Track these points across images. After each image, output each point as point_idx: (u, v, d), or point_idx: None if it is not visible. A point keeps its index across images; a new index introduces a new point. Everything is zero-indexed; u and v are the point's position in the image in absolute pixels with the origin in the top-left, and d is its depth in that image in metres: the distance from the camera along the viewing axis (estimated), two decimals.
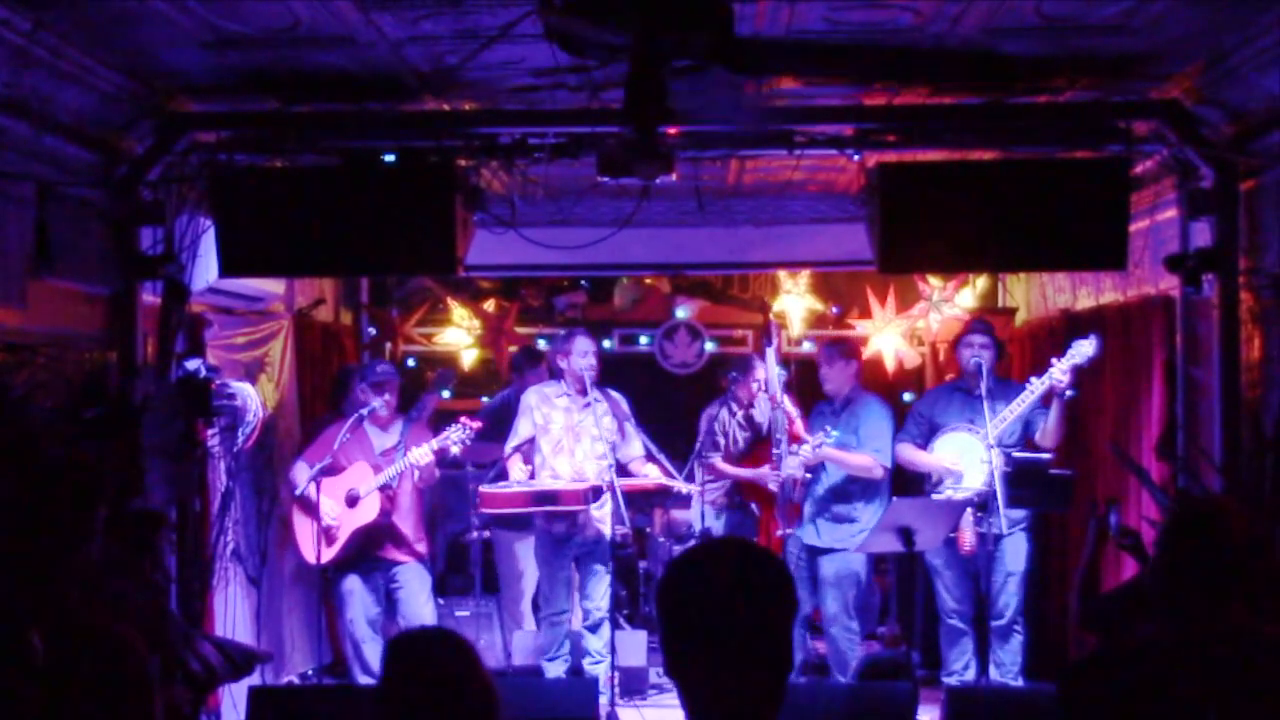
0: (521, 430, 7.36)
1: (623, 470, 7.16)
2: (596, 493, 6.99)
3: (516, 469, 7.30)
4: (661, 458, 7.38)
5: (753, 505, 8.19)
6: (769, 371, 7.46)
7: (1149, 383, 6.67)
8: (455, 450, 7.22)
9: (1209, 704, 2.84)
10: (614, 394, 7.45)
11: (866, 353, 9.50)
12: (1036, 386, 6.71)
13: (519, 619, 8.16)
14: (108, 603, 3.66)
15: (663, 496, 8.11)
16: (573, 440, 7.25)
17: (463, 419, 7.18)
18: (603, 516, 7.05)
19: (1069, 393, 6.66)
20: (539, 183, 6.67)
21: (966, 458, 6.87)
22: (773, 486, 7.36)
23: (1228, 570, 3.10)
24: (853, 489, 7.21)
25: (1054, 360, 6.69)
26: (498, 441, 7.53)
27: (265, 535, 7.37)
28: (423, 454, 7.02)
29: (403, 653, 3.01)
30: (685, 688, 2.12)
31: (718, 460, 7.93)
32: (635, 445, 7.38)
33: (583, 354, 7.22)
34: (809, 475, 7.22)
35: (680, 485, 7.43)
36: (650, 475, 7.33)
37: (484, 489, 7.26)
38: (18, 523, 2.81)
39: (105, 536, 2.97)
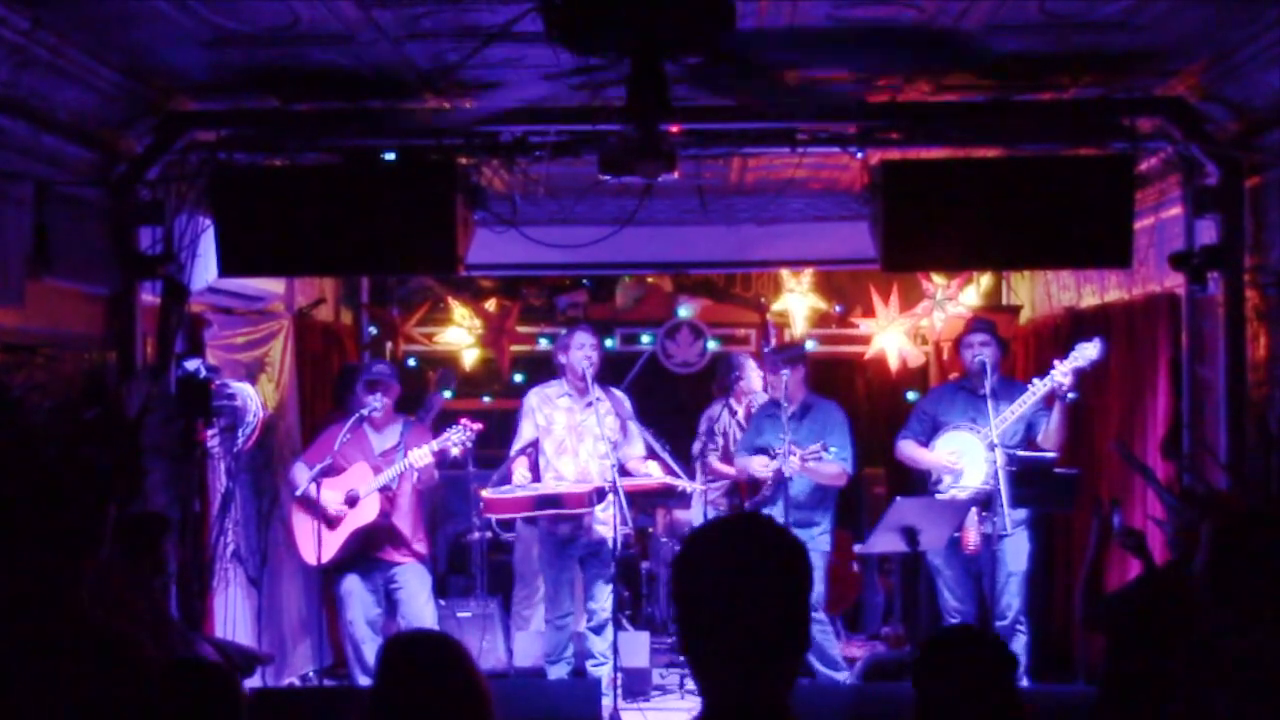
0: (524, 433, 7.33)
1: (623, 470, 7.13)
2: (600, 494, 6.95)
3: (520, 472, 7.27)
4: (666, 455, 7.33)
5: None
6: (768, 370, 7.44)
7: (1154, 381, 6.64)
8: (455, 452, 7.19)
9: None
10: (616, 392, 7.43)
11: (870, 351, 9.49)
12: (1038, 388, 6.68)
13: (528, 618, 8.14)
14: (109, 603, 3.64)
15: (665, 496, 8.08)
16: (576, 440, 7.22)
17: (463, 420, 7.15)
18: (606, 518, 7.02)
19: (1071, 396, 6.62)
20: (540, 181, 6.65)
21: (967, 456, 6.84)
22: (764, 473, 7.29)
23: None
24: (816, 496, 7.24)
25: (1056, 362, 6.67)
26: None
27: (266, 536, 7.35)
28: (422, 455, 6.99)
29: (396, 655, 3.01)
30: (698, 665, 2.09)
31: (714, 459, 7.91)
32: (637, 444, 7.36)
33: (580, 347, 7.19)
34: (787, 473, 7.16)
35: (684, 483, 7.39)
36: (653, 474, 7.29)
37: (487, 494, 7.19)
38: (26, 524, 2.79)
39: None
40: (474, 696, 2.98)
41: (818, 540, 7.18)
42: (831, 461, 7.10)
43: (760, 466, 7.20)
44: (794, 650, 2.09)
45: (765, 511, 7.12)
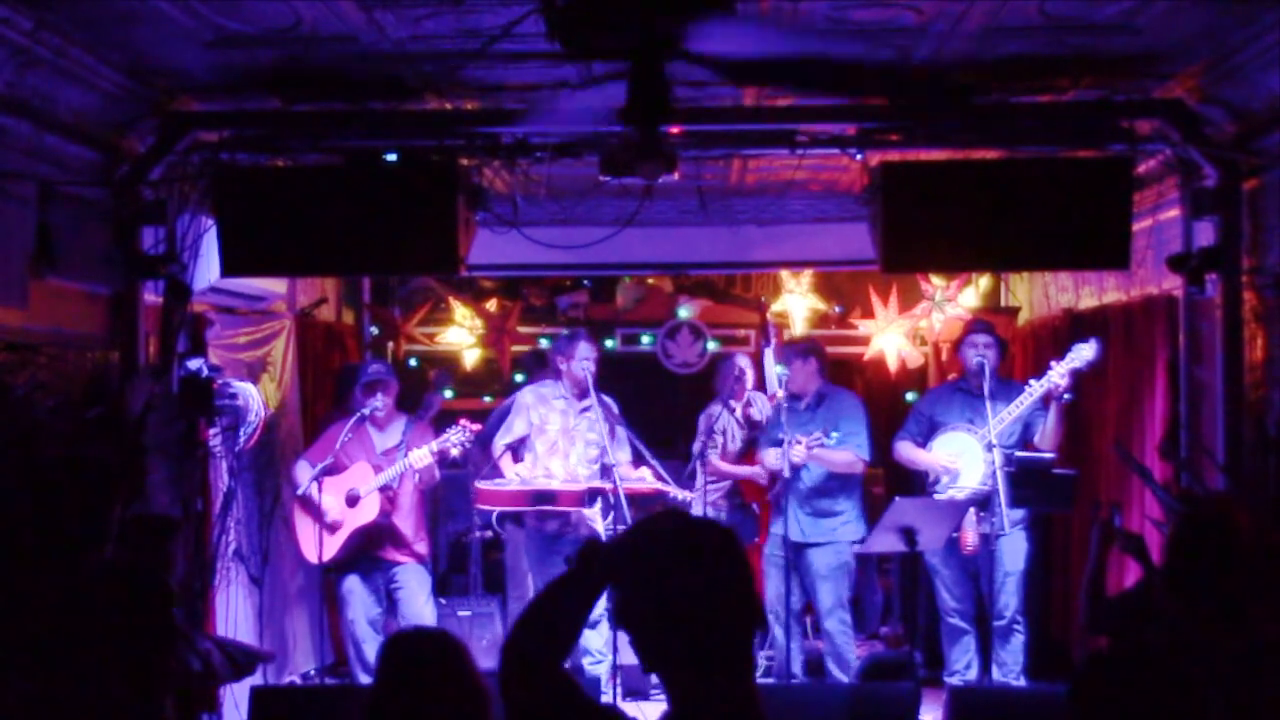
0: (516, 428, 7.35)
1: (610, 473, 7.13)
2: (593, 496, 6.97)
3: (509, 467, 7.29)
4: (656, 464, 7.32)
5: (753, 505, 8.18)
6: (768, 370, 7.46)
7: (1152, 383, 6.65)
8: (455, 452, 7.22)
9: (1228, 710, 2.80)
10: (605, 398, 7.44)
11: (869, 352, 9.50)
12: (1035, 389, 6.72)
13: None
14: None
15: (660, 497, 8.07)
16: (568, 443, 7.25)
17: (462, 421, 7.17)
18: (594, 514, 7.05)
19: (1067, 396, 6.66)
20: (541, 182, 6.66)
21: (965, 457, 6.86)
22: (776, 465, 7.29)
23: (1237, 573, 3.07)
24: (833, 484, 7.23)
25: (1053, 363, 6.70)
26: None
27: (267, 535, 7.36)
28: (422, 456, 7.01)
29: (396, 653, 3.04)
30: (660, 665, 2.12)
31: (715, 458, 7.93)
32: (625, 450, 7.38)
33: (584, 358, 7.25)
34: (789, 473, 7.18)
35: (675, 491, 7.37)
36: (646, 479, 7.29)
37: (480, 485, 7.24)
38: (29, 521, 2.82)
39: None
40: (474, 695, 3.00)
41: (840, 531, 7.19)
42: (843, 448, 7.12)
43: (773, 459, 7.22)
44: (753, 635, 2.14)
45: (781, 503, 7.17)
